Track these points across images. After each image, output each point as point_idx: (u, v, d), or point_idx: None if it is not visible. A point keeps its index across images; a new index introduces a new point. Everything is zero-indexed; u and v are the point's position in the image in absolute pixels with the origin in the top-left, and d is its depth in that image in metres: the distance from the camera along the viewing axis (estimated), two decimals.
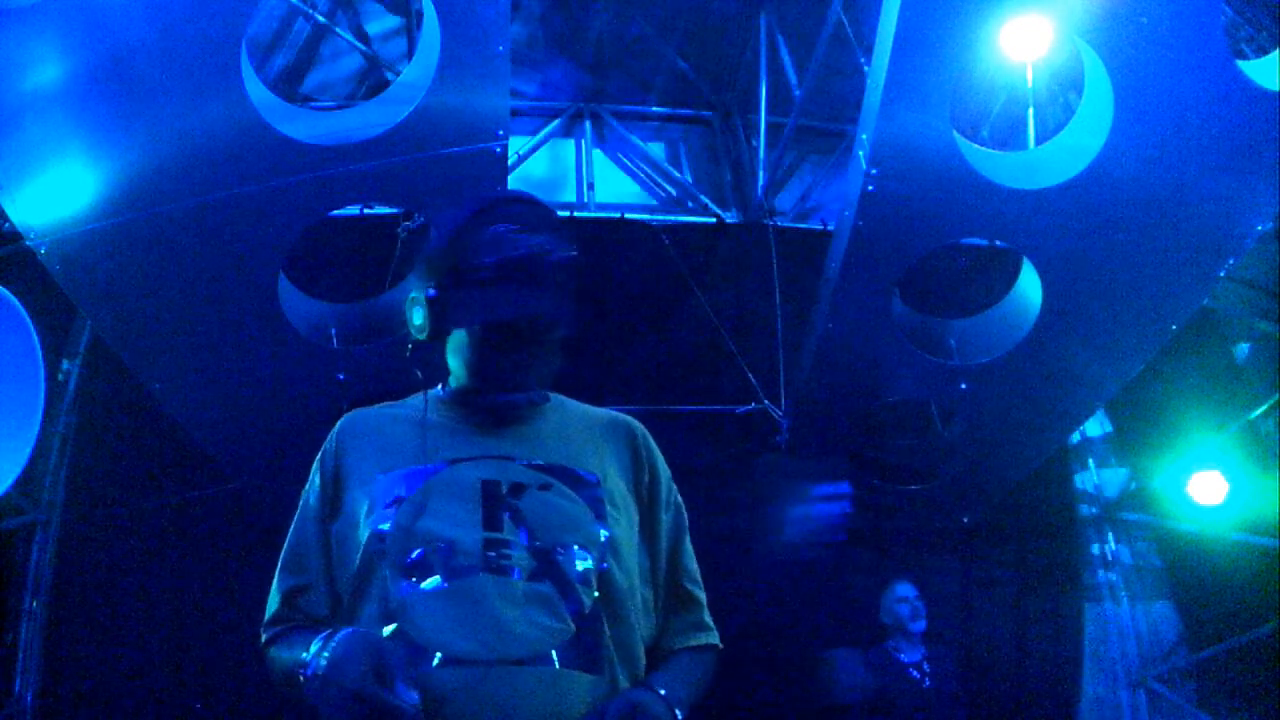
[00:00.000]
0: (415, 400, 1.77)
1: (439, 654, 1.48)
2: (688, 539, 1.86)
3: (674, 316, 5.60)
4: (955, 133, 3.96)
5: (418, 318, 1.72)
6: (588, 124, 6.14)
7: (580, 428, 1.79)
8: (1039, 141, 5.00)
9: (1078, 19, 3.70)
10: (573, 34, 5.93)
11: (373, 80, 5.61)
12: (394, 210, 5.05)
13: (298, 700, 1.55)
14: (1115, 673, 5.77)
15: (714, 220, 5.97)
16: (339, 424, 1.78)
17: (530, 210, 1.73)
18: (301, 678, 1.50)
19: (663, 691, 1.58)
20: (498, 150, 3.94)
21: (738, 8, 5.89)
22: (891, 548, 5.66)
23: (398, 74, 4.79)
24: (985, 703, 5.14)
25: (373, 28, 5.67)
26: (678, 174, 6.14)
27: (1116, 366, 4.70)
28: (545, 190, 5.98)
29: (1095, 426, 6.02)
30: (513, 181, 5.53)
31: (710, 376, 5.53)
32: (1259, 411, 5.14)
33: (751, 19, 5.85)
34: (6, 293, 3.89)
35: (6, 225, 3.98)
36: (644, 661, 1.66)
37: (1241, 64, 3.84)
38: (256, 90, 3.69)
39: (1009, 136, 5.71)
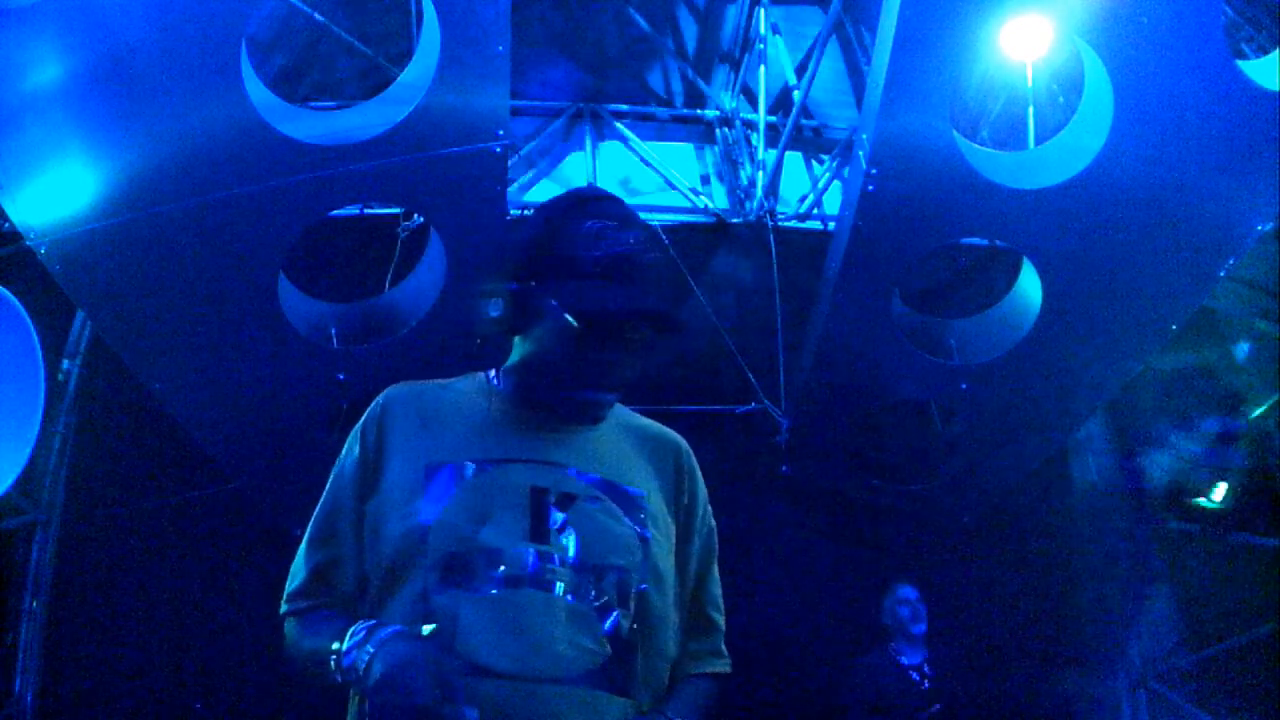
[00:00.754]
0: (466, 384, 1.72)
1: (476, 665, 1.44)
2: (715, 564, 1.81)
3: (674, 316, 5.59)
4: (955, 133, 3.96)
5: (496, 310, 1.66)
6: (588, 124, 6.14)
7: (633, 441, 1.77)
8: (1039, 141, 5.00)
9: (1078, 19, 3.70)
10: (573, 34, 5.93)
11: (373, 80, 5.60)
12: (394, 210, 5.05)
13: (314, 678, 1.55)
14: (1115, 673, 5.77)
15: (714, 220, 5.97)
16: (386, 394, 1.70)
17: (620, 208, 1.69)
18: (334, 665, 1.49)
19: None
20: (498, 150, 3.94)
21: (737, 8, 5.89)
22: (891, 548, 5.66)
23: (398, 74, 4.79)
24: (985, 703, 5.13)
25: (373, 28, 5.66)
26: (678, 174, 6.14)
27: (1116, 366, 4.70)
28: (546, 190, 5.98)
29: (1095, 426, 6.02)
30: (513, 181, 5.53)
31: (710, 376, 5.53)
32: (1259, 411, 5.14)
33: (751, 19, 5.85)
34: (6, 293, 3.90)
35: (6, 225, 3.99)
36: (666, 685, 1.64)
37: (1241, 64, 3.85)
38: (256, 90, 3.69)
39: (1009, 136, 5.71)
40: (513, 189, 5.45)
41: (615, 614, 1.54)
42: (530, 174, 6.02)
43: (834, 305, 4.44)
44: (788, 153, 5.86)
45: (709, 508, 1.80)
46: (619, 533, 1.59)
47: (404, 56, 5.54)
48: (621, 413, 1.80)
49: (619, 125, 6.15)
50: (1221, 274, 4.33)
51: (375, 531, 1.59)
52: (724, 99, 6.20)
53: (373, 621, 1.50)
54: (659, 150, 6.19)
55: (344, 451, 1.69)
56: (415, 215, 4.91)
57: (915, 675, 4.77)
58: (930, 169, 3.96)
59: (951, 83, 3.83)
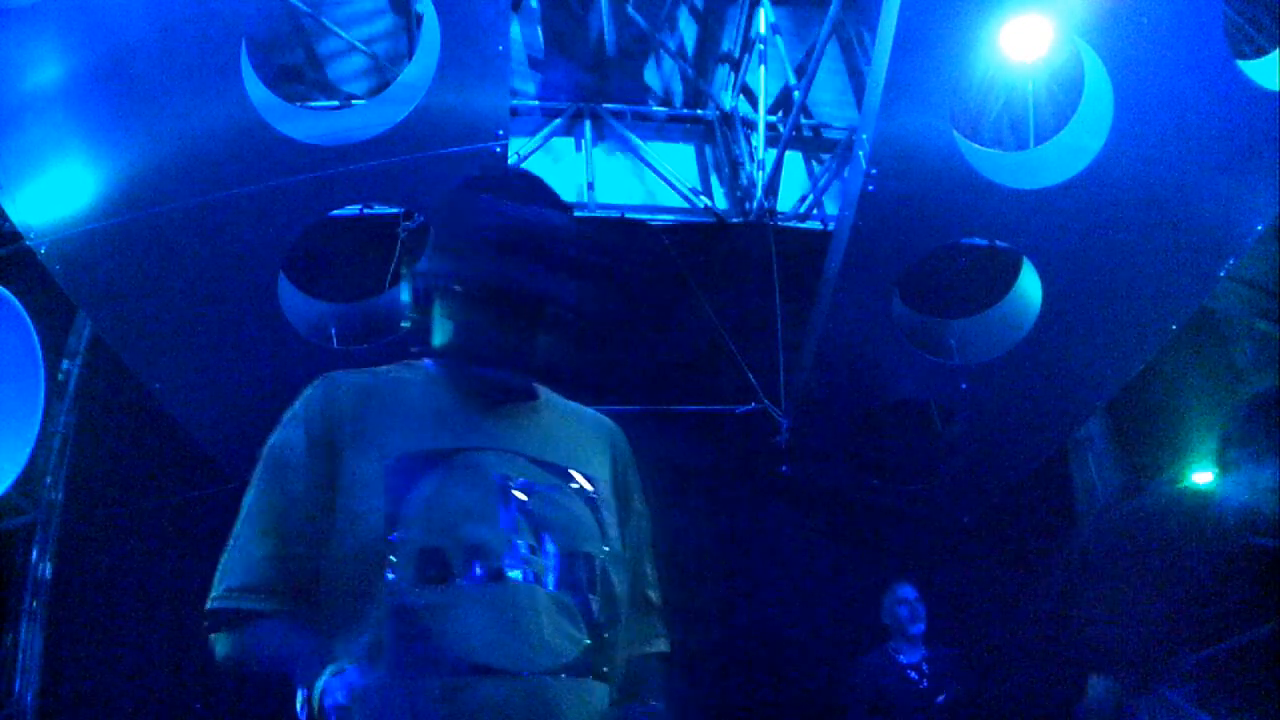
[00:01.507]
0: (404, 371, 1.68)
1: (475, 664, 1.42)
2: (649, 547, 1.80)
3: (674, 316, 5.60)
4: (955, 133, 3.96)
5: (408, 294, 1.66)
6: (588, 124, 6.13)
7: (574, 426, 1.76)
8: (1039, 141, 5.00)
9: (1078, 19, 3.70)
10: (573, 34, 5.93)
11: (373, 80, 5.61)
12: (394, 210, 5.05)
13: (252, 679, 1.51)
14: (1115, 673, 5.76)
15: (714, 220, 5.97)
16: (325, 382, 1.65)
17: (528, 184, 1.68)
18: (316, 707, 1.39)
19: (659, 705, 1.59)
20: (498, 150, 3.94)
21: (737, 8, 5.90)
22: (891, 548, 5.66)
23: (398, 74, 4.79)
24: (985, 703, 5.13)
25: (373, 28, 5.67)
26: (678, 174, 6.14)
27: (1116, 366, 4.70)
28: None
29: (1095, 426, 6.01)
30: None
31: (710, 376, 5.53)
32: None
33: (751, 19, 5.85)
34: (6, 293, 3.90)
35: (6, 225, 3.99)
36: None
37: (1241, 64, 3.84)
38: (256, 90, 3.69)
39: (1009, 136, 5.71)
40: None
41: (591, 600, 1.54)
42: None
43: (834, 305, 4.44)
44: (788, 153, 5.86)
45: (642, 492, 1.79)
46: (583, 519, 1.59)
47: (404, 56, 5.56)
48: (555, 398, 1.79)
49: (619, 125, 6.15)
50: (1221, 274, 4.33)
51: (333, 526, 1.53)
52: (724, 99, 6.20)
53: (352, 671, 1.41)
54: (659, 150, 6.19)
55: (279, 440, 1.61)
56: (415, 215, 4.91)
57: (914, 674, 4.77)
58: (930, 169, 3.96)
59: (951, 83, 3.84)
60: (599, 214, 5.90)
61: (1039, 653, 5.84)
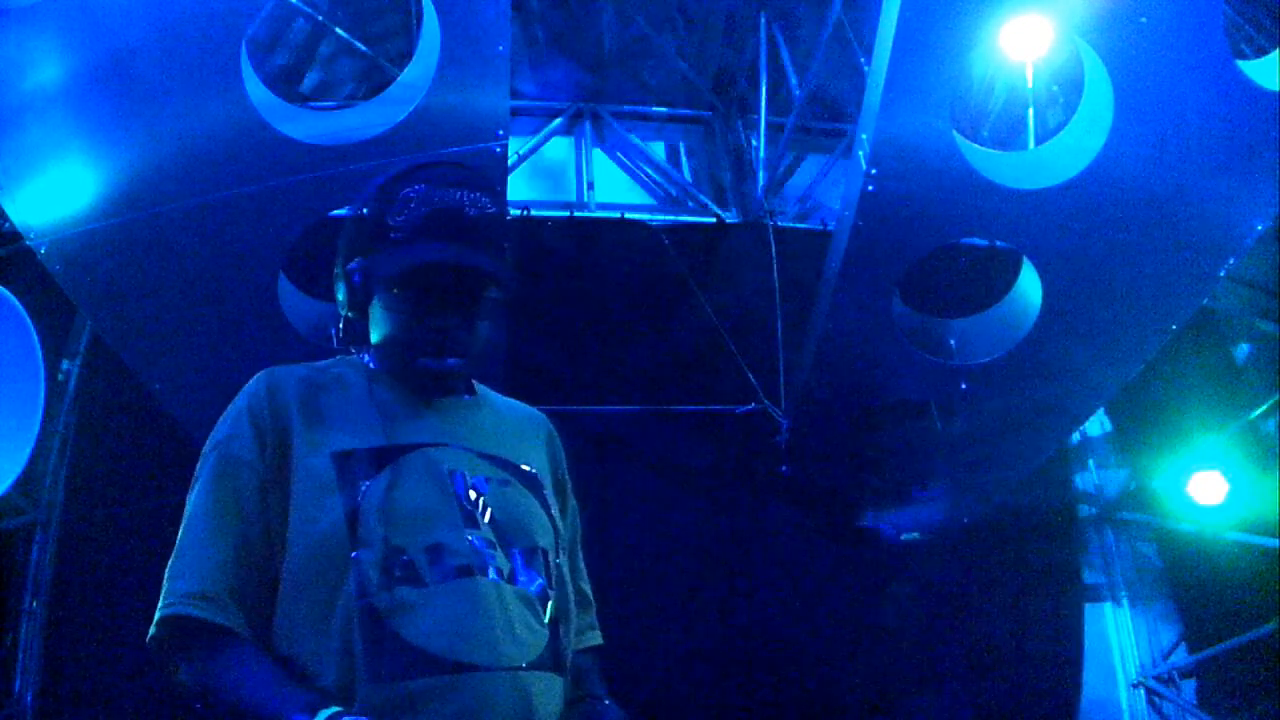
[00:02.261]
0: (342, 367, 1.68)
1: (459, 662, 1.41)
2: (580, 539, 1.81)
3: (674, 316, 5.60)
4: (955, 133, 3.96)
5: (340, 293, 1.66)
6: (588, 124, 6.14)
7: (513, 420, 1.76)
8: (1039, 141, 5.00)
9: (1078, 19, 3.69)
10: (573, 34, 5.93)
11: (373, 80, 5.60)
12: None
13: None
14: (1115, 673, 5.77)
15: (714, 220, 5.97)
16: (266, 377, 1.63)
17: (451, 171, 1.65)
18: None
19: (609, 702, 1.61)
20: (498, 150, 3.93)
21: (738, 8, 5.89)
22: (891, 548, 5.65)
23: (398, 74, 4.79)
24: (985, 703, 5.14)
25: (373, 28, 5.66)
26: (678, 174, 6.14)
27: (1116, 366, 4.70)
28: (545, 190, 5.99)
29: (1095, 426, 6.02)
30: (513, 181, 5.53)
31: (710, 376, 5.53)
32: (1259, 411, 5.14)
33: (751, 19, 5.85)
34: (6, 293, 3.90)
35: (6, 225, 3.98)
36: None
37: (1241, 64, 3.84)
38: (256, 90, 3.69)
39: (1009, 136, 5.71)
40: (512, 189, 5.45)
41: (549, 594, 1.55)
42: (530, 174, 6.02)
43: (834, 305, 4.44)
44: (788, 152, 5.86)
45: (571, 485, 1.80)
46: (535, 512, 1.60)
47: (404, 56, 5.56)
48: (490, 393, 1.79)
49: (619, 125, 6.15)
50: (1221, 274, 4.33)
51: (284, 526, 1.50)
52: (724, 99, 6.21)
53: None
54: (659, 150, 6.19)
55: (225, 435, 1.57)
56: None
57: None
58: (930, 169, 3.96)
59: (951, 83, 3.83)
60: (598, 214, 5.90)
61: (1039, 653, 5.87)
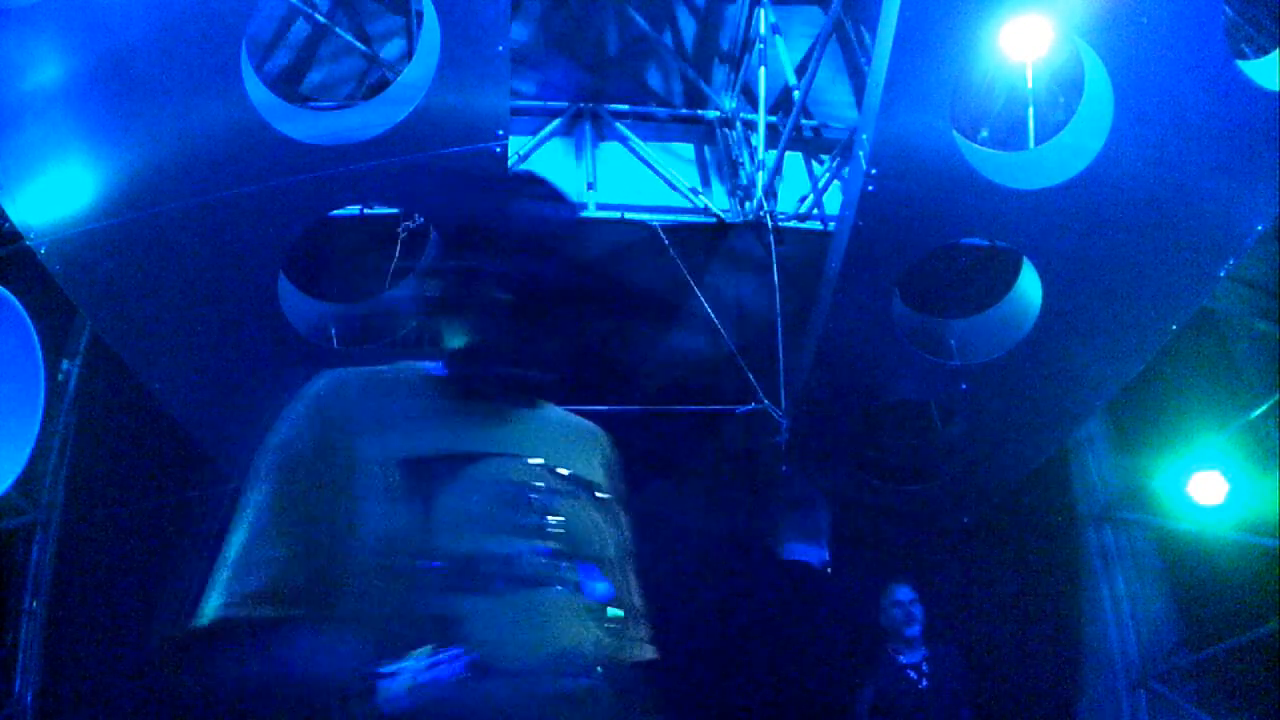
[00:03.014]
0: (408, 373, 1.67)
1: (527, 667, 1.41)
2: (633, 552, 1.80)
3: (674, 316, 5.60)
4: (955, 133, 3.96)
5: (413, 295, 1.69)
6: (588, 124, 6.13)
7: (573, 433, 1.77)
8: (1039, 141, 5.00)
9: (1078, 19, 3.69)
10: (573, 34, 5.93)
11: (373, 80, 5.60)
12: (394, 210, 5.05)
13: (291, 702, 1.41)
14: (1115, 673, 5.76)
15: (714, 220, 5.97)
16: (330, 380, 1.61)
17: (532, 183, 1.71)
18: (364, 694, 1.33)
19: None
20: (498, 150, 3.94)
21: (738, 8, 5.89)
22: (891, 548, 5.66)
23: (398, 74, 4.79)
24: (985, 703, 5.13)
25: (373, 28, 5.66)
26: (677, 174, 6.14)
27: (1116, 366, 4.70)
28: None
29: (1095, 426, 6.01)
30: None
31: (710, 376, 5.53)
32: (1259, 411, 5.14)
33: (751, 19, 5.85)
34: (6, 293, 3.90)
35: (6, 225, 3.98)
36: None
37: (1241, 64, 3.84)
38: (256, 90, 3.69)
39: (1009, 136, 5.70)
40: None
41: (609, 606, 1.56)
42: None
43: (834, 305, 4.44)
44: (788, 153, 5.86)
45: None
46: (598, 525, 1.61)
47: (404, 56, 5.56)
48: (551, 406, 1.79)
49: (619, 125, 6.15)
50: (1221, 274, 4.33)
51: (348, 531, 1.47)
52: (724, 99, 6.20)
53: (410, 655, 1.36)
54: (659, 150, 6.19)
55: (286, 437, 1.55)
56: (415, 215, 4.91)
57: (913, 674, 4.77)
58: (930, 169, 3.96)
59: (951, 83, 3.83)
60: (599, 214, 5.90)
61: (1039, 653, 5.87)
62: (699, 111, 6.27)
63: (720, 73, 6.20)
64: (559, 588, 1.49)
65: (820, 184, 5.94)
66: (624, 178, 6.13)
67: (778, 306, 5.39)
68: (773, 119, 5.93)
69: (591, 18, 5.84)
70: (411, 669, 1.33)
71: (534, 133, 6.05)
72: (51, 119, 3.50)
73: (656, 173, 6.13)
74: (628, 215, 5.85)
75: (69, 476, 5.08)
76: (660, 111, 6.24)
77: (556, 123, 6.08)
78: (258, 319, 4.11)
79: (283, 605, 1.43)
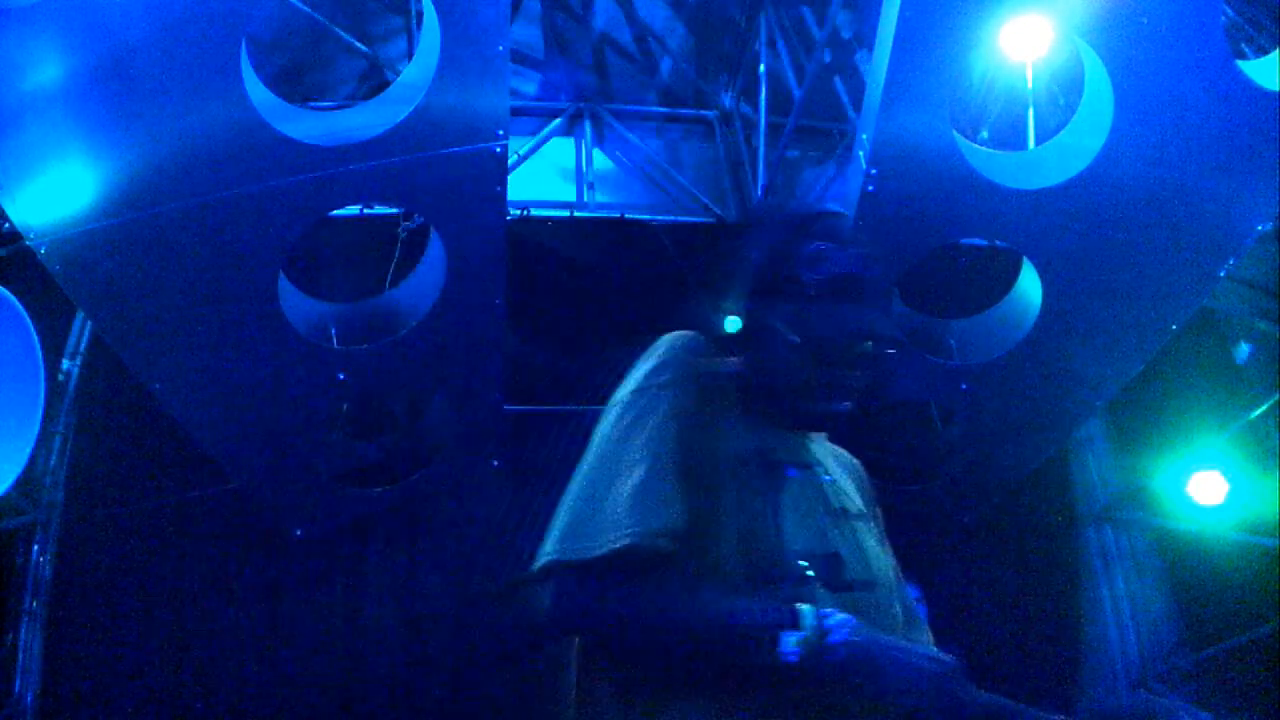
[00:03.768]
0: (729, 370, 1.69)
1: None
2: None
3: (674, 316, 5.59)
4: (955, 133, 3.96)
5: (733, 328, 1.74)
6: (588, 124, 6.14)
7: (839, 461, 1.84)
8: (1039, 141, 5.00)
9: (1078, 19, 3.69)
10: (573, 34, 5.93)
11: (373, 80, 5.60)
12: (394, 210, 5.05)
13: (683, 644, 1.41)
14: (1115, 673, 5.76)
15: (714, 220, 5.97)
16: (688, 345, 1.67)
17: (839, 224, 1.73)
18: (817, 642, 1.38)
19: None
20: (498, 150, 3.94)
21: (738, 8, 5.89)
22: (891, 548, 5.65)
23: (398, 74, 4.79)
24: None
25: (373, 28, 5.66)
26: (677, 174, 6.14)
27: (1116, 366, 4.70)
28: (545, 190, 5.98)
29: (1095, 426, 6.01)
30: (513, 181, 5.53)
31: None
32: (1259, 411, 5.14)
33: (751, 19, 5.85)
34: (6, 293, 3.90)
35: (6, 225, 3.98)
36: None
37: (1241, 64, 3.84)
38: (256, 90, 3.69)
39: (1009, 136, 5.70)
40: (512, 189, 5.45)
41: (886, 630, 1.58)
42: (530, 174, 6.02)
43: None
44: (788, 153, 5.86)
45: None
46: (873, 547, 1.68)
47: (404, 56, 5.56)
48: (819, 436, 1.85)
49: (619, 125, 6.15)
50: (1221, 274, 4.33)
51: (709, 490, 1.50)
52: (724, 99, 6.21)
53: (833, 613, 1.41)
54: (659, 150, 6.19)
55: (667, 378, 1.59)
56: (415, 215, 4.91)
57: None
58: (930, 169, 3.96)
59: (951, 83, 3.83)
60: (598, 214, 5.90)
61: (1039, 653, 5.86)
62: (699, 111, 6.28)
63: (720, 73, 6.20)
64: (882, 599, 1.59)
65: (820, 184, 5.94)
66: (624, 178, 6.13)
67: None
68: (773, 119, 5.93)
69: (591, 18, 5.84)
70: (810, 626, 1.38)
71: (534, 133, 6.05)
72: (51, 119, 3.49)
73: (656, 172, 6.13)
74: (628, 215, 5.85)
75: (69, 476, 5.08)
76: (660, 111, 6.25)
77: (556, 123, 6.08)
78: (258, 319, 4.11)
79: (677, 545, 1.44)
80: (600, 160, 6.11)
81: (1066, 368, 4.65)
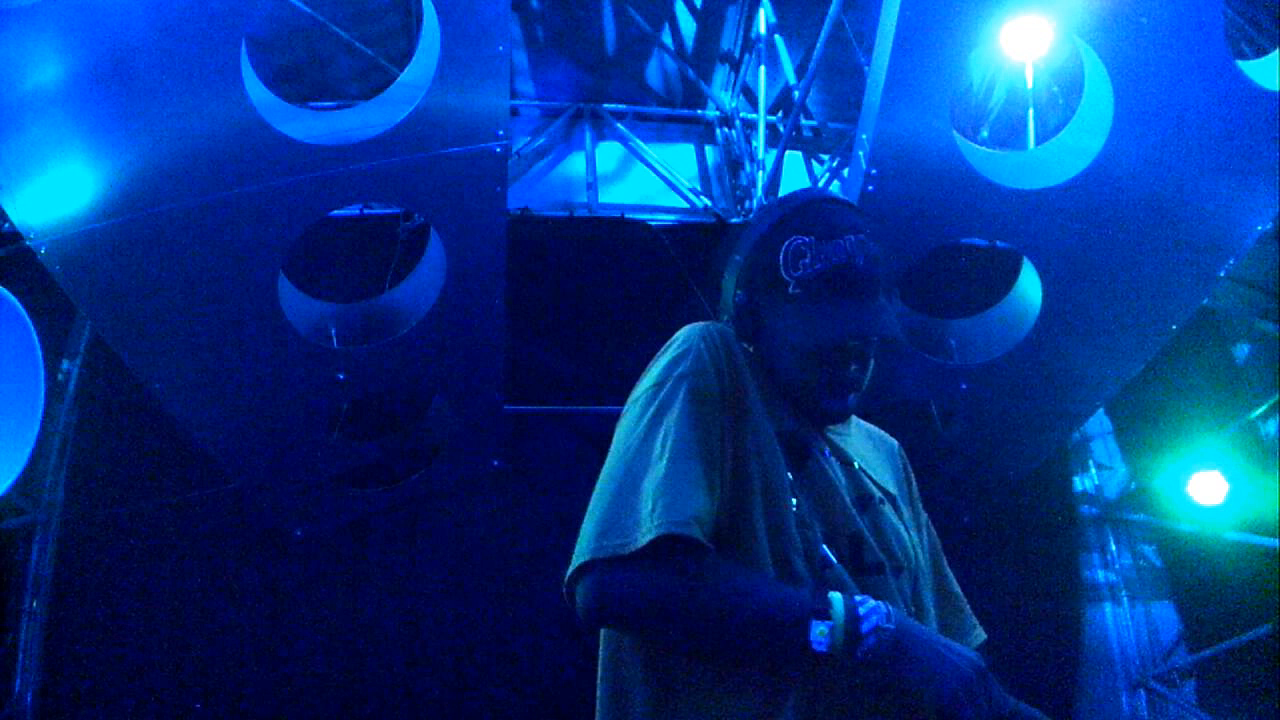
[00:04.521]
0: (747, 362, 1.65)
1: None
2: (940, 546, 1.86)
3: (674, 316, 5.59)
4: (955, 133, 3.96)
5: (729, 316, 1.69)
6: (588, 124, 6.14)
7: (876, 444, 1.83)
8: (1039, 141, 5.00)
9: (1078, 19, 3.69)
10: (573, 34, 5.93)
11: (373, 80, 5.60)
12: (394, 210, 5.05)
13: (725, 635, 1.39)
14: (1115, 673, 5.76)
15: (714, 220, 5.97)
16: (721, 331, 1.62)
17: (834, 212, 1.65)
18: (833, 632, 1.35)
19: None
20: (498, 150, 3.94)
21: (738, 8, 5.89)
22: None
23: (398, 74, 4.79)
24: None
25: (373, 28, 5.66)
26: (677, 174, 6.14)
27: (1116, 366, 4.70)
28: (545, 190, 5.99)
29: (1095, 426, 6.01)
30: (513, 181, 5.53)
31: None
32: (1259, 411, 5.14)
33: (751, 19, 5.85)
34: (6, 293, 3.89)
35: (6, 225, 3.98)
36: None
37: (1241, 64, 3.84)
38: (256, 90, 3.69)
39: (1009, 136, 5.71)
40: (513, 188, 5.46)
41: (913, 615, 1.59)
42: (530, 174, 6.02)
43: None
44: (788, 153, 5.86)
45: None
46: (900, 531, 1.65)
47: (404, 56, 5.55)
48: (855, 418, 1.84)
49: (619, 125, 6.15)
50: (1221, 274, 4.33)
51: (738, 477, 1.49)
52: (724, 99, 6.21)
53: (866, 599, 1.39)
54: (659, 150, 6.19)
55: (691, 368, 1.54)
56: (415, 215, 4.91)
57: None
58: (930, 169, 3.96)
59: (951, 83, 3.83)
60: (599, 214, 5.90)
61: (1039, 653, 5.86)
62: (699, 111, 6.28)
63: (720, 73, 6.21)
64: (897, 582, 1.55)
65: (820, 184, 5.94)
66: (624, 178, 6.13)
67: None
68: (773, 119, 5.93)
69: (591, 18, 5.84)
70: (838, 615, 1.36)
71: (534, 133, 6.05)
72: (51, 119, 3.49)
73: (656, 173, 6.13)
74: (628, 215, 5.85)
75: (69, 476, 5.08)
76: (660, 111, 6.25)
77: (557, 123, 6.08)
78: (258, 319, 4.11)
79: (706, 532, 1.42)
80: (600, 160, 6.12)
81: (1066, 368, 4.65)
